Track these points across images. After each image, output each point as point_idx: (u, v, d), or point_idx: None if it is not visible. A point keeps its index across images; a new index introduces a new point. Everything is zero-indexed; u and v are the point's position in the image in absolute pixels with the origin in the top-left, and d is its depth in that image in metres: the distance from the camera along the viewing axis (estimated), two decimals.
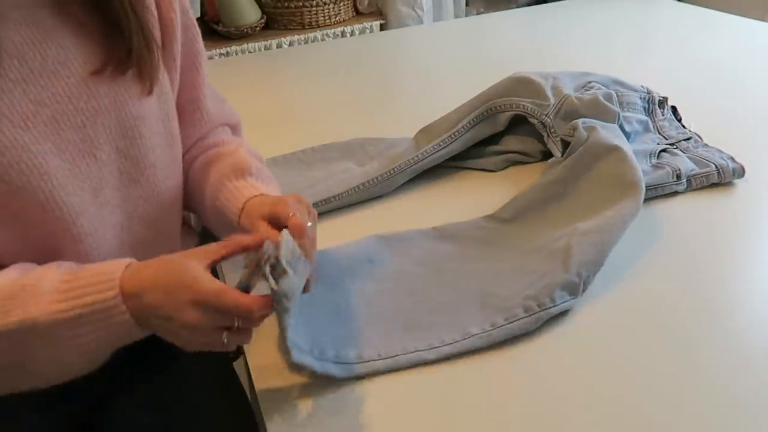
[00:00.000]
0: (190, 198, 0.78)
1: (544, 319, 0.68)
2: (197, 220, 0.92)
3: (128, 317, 0.54)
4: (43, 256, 0.62)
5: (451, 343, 0.66)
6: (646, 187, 0.89)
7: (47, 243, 0.62)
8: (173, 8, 0.68)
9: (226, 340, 0.56)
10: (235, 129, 0.85)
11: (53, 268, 0.57)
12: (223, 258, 0.58)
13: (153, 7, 0.66)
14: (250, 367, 0.67)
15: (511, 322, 0.67)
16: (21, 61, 0.57)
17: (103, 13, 0.62)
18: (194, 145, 0.79)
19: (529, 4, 2.32)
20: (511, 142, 1.04)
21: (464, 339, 0.66)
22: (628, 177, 0.83)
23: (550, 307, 0.69)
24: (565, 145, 0.92)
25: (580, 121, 0.92)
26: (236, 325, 0.55)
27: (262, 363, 0.66)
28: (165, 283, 0.54)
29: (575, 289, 0.71)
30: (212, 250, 0.58)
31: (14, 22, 0.57)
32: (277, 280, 0.56)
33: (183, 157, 0.79)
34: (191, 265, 0.55)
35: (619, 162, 0.85)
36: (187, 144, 0.78)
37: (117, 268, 0.55)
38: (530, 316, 0.68)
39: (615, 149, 0.86)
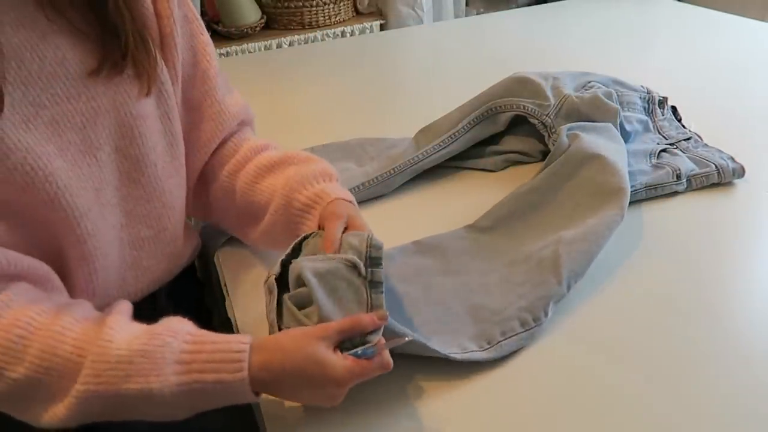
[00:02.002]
0: (229, 200, 0.78)
1: (537, 333, 0.68)
2: (196, 221, 0.92)
3: (254, 396, 0.54)
4: (49, 256, 0.62)
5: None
6: (646, 186, 0.90)
7: (52, 244, 0.62)
8: (169, 2, 0.68)
9: None
10: (251, 127, 0.84)
11: (174, 333, 0.55)
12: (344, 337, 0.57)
13: (148, 2, 0.66)
14: None
15: (508, 337, 0.66)
16: (19, 64, 0.57)
17: (98, 17, 0.61)
18: (225, 144, 0.79)
19: (529, 4, 2.32)
20: (511, 142, 1.03)
21: (464, 353, 0.65)
22: (610, 184, 0.82)
23: (543, 322, 0.68)
24: None
25: (564, 127, 0.92)
26: None
27: None
28: (301, 377, 0.54)
29: (562, 298, 0.71)
30: (335, 334, 0.56)
31: (10, 24, 0.57)
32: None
33: (213, 155, 0.78)
34: (320, 352, 0.54)
35: (601, 170, 0.84)
36: (211, 141, 0.77)
37: (242, 347, 0.54)
38: (526, 331, 0.67)
39: (596, 157, 0.85)
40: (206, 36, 0.76)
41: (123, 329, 0.55)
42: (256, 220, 0.76)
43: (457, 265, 0.79)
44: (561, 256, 0.73)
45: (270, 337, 0.57)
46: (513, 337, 0.66)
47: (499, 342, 0.66)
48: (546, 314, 0.69)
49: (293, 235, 0.68)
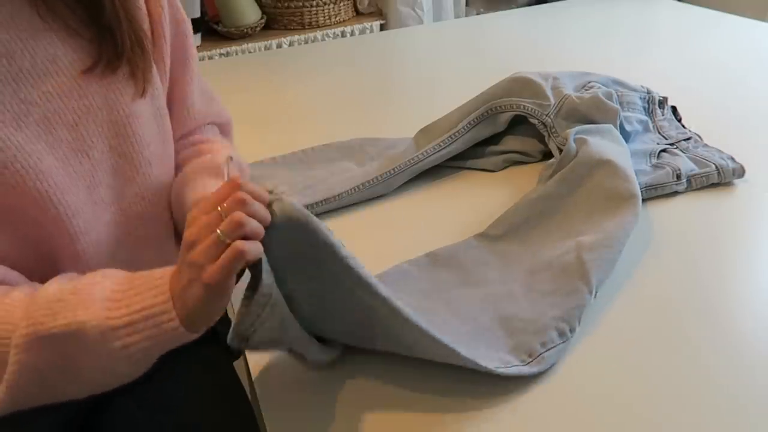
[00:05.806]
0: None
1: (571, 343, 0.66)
2: None
3: (177, 323, 0.53)
4: (40, 257, 0.62)
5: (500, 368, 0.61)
6: (646, 186, 0.90)
7: (44, 243, 0.62)
8: (160, 2, 0.68)
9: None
10: (223, 129, 0.84)
11: (105, 276, 0.56)
12: None
13: (141, 2, 0.66)
14: (250, 367, 0.67)
15: (549, 349, 0.64)
16: (10, 60, 0.57)
17: (93, 17, 0.61)
18: (178, 142, 0.78)
19: (529, 4, 2.32)
20: (511, 142, 1.04)
21: (508, 367, 0.62)
22: (621, 190, 0.82)
23: (576, 330, 0.67)
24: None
25: (572, 131, 0.92)
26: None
27: (262, 363, 0.66)
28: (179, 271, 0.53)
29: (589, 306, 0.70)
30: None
31: (0, 22, 0.57)
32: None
33: None
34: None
35: (611, 176, 0.84)
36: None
37: (165, 272, 0.54)
38: (564, 342, 0.65)
39: (606, 163, 0.85)
40: (191, 40, 0.76)
41: (57, 282, 0.56)
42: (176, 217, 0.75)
43: (475, 276, 0.76)
44: (586, 262, 0.72)
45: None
46: (553, 349, 0.64)
47: (540, 354, 0.64)
48: (579, 323, 0.67)
49: None
